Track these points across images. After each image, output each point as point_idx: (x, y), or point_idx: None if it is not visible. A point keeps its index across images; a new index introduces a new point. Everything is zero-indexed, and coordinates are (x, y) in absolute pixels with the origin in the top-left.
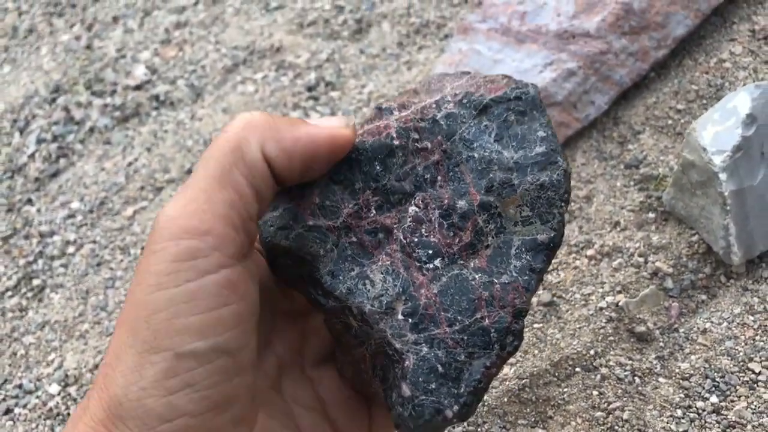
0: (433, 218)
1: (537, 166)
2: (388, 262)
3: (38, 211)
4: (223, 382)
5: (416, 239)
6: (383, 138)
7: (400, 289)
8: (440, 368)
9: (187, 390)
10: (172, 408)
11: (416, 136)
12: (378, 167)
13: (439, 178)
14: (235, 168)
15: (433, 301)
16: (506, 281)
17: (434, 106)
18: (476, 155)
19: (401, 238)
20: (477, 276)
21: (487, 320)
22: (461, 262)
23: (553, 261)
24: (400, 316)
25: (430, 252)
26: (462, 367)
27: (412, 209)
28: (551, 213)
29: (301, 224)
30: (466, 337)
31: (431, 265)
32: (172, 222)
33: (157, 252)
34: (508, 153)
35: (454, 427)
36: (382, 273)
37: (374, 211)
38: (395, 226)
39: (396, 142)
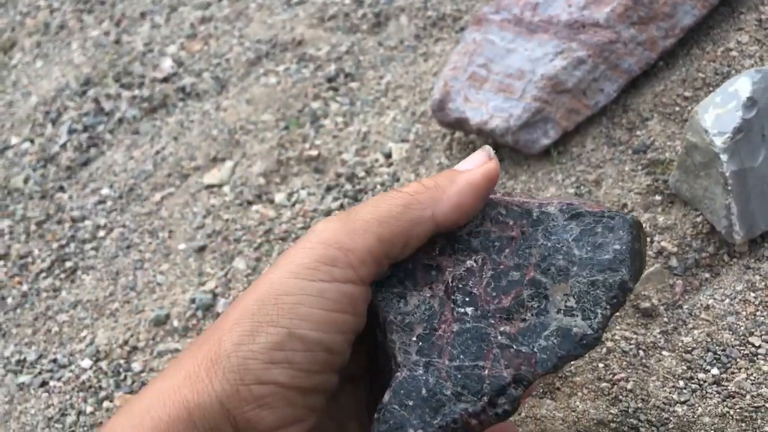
0: (484, 276)
1: (598, 267)
2: (428, 294)
3: (70, 197)
4: (315, 372)
5: (461, 285)
6: None
7: (426, 317)
8: (424, 392)
9: (286, 365)
10: (269, 375)
11: (502, 212)
12: None
13: (507, 250)
14: (400, 216)
15: (447, 335)
16: (524, 351)
17: (537, 205)
18: (549, 244)
19: (449, 280)
20: (500, 337)
21: (486, 371)
22: (492, 321)
23: None
24: (413, 337)
25: (467, 300)
26: (445, 401)
27: (469, 262)
28: (594, 312)
29: None
30: (459, 376)
31: (462, 310)
32: (328, 231)
33: (306, 248)
34: (578, 251)
35: None
36: (418, 300)
37: (437, 251)
38: (449, 269)
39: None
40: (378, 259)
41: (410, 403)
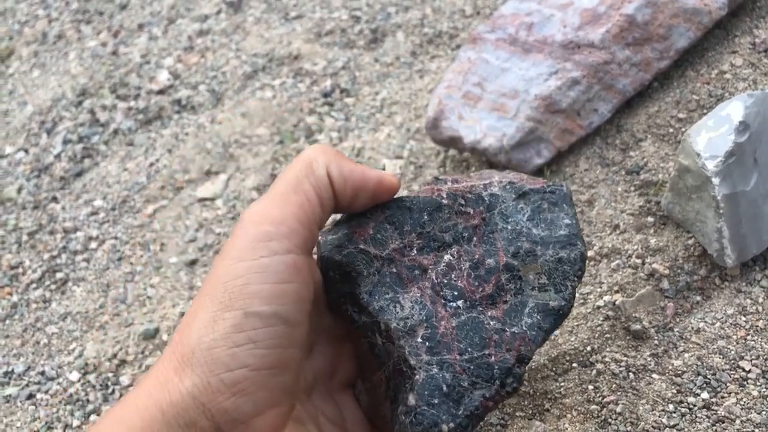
0: (463, 268)
1: (559, 245)
2: (419, 295)
3: (63, 208)
4: (279, 347)
5: (446, 281)
6: (435, 196)
7: (424, 317)
8: (445, 388)
9: (250, 345)
10: (236, 359)
11: (462, 202)
12: (426, 217)
13: (474, 238)
14: (306, 179)
15: (450, 331)
16: (516, 331)
17: (482, 186)
18: (509, 227)
19: (433, 277)
20: (492, 322)
21: (493, 357)
22: (480, 308)
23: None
24: (419, 339)
25: (455, 293)
26: (464, 392)
27: (447, 257)
28: (564, 285)
29: (354, 246)
30: (472, 367)
31: (454, 305)
32: (255, 213)
33: (241, 232)
34: (536, 230)
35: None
36: (411, 302)
37: (416, 252)
38: (431, 267)
39: (444, 201)
40: (306, 225)
41: (435, 401)
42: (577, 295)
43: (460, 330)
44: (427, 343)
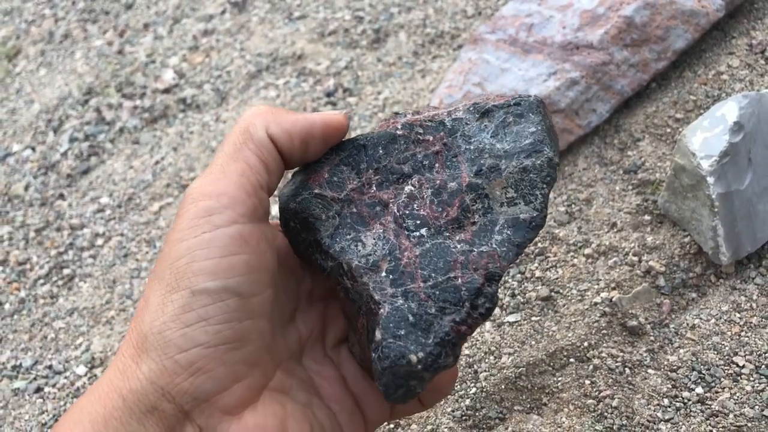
0: (425, 195)
1: (523, 154)
2: (381, 230)
3: (69, 205)
4: (234, 321)
5: (408, 212)
6: (389, 129)
7: (387, 251)
8: (411, 318)
9: (202, 323)
10: (188, 339)
11: (420, 131)
12: (381, 151)
13: (437, 165)
14: (244, 145)
15: (413, 260)
16: (484, 250)
17: (445, 113)
18: (472, 147)
19: (395, 210)
20: (459, 245)
21: (459, 280)
22: (446, 234)
23: (552, 259)
24: (383, 274)
25: (418, 222)
26: (432, 320)
27: (408, 188)
28: (534, 194)
29: (308, 192)
30: (438, 293)
31: (418, 234)
32: (194, 190)
33: (181, 214)
34: (500, 145)
35: (453, 411)
36: (374, 238)
37: (375, 188)
38: (391, 200)
39: (399, 132)
40: (251, 192)
41: (402, 332)
42: (574, 291)
43: (423, 258)
44: (391, 276)
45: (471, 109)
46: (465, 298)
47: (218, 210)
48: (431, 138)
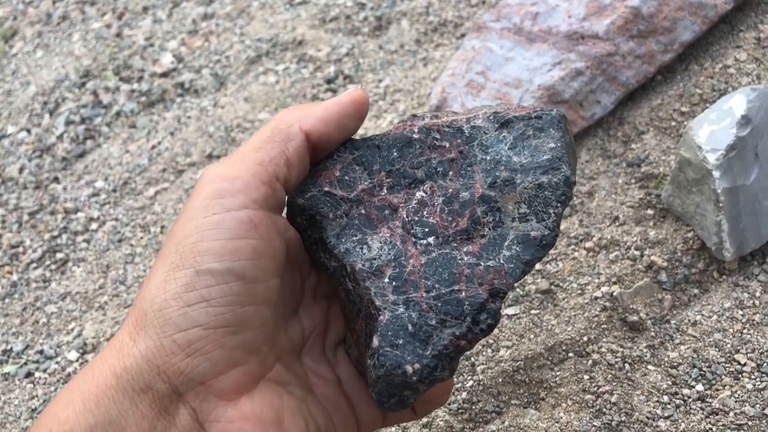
0: (436, 203)
1: (540, 170)
2: (388, 235)
3: (64, 188)
4: (236, 305)
5: (417, 218)
6: (405, 132)
7: (392, 257)
8: (410, 328)
9: (203, 304)
10: (188, 318)
11: (437, 136)
12: (395, 154)
13: (451, 173)
14: (270, 139)
15: (417, 269)
16: (491, 265)
17: (464, 119)
18: (488, 158)
19: (404, 216)
20: (466, 257)
21: (463, 293)
22: (454, 244)
23: (552, 252)
24: (386, 279)
25: (427, 230)
26: (432, 332)
27: (419, 194)
28: (547, 212)
29: (317, 189)
30: (440, 304)
31: (425, 241)
32: (210, 172)
33: (196, 193)
34: (517, 158)
35: (449, 404)
36: (380, 242)
37: (386, 191)
38: (401, 205)
39: (415, 136)
40: (266, 181)
41: (400, 341)
42: (575, 284)
43: (429, 267)
44: (394, 283)
45: (491, 117)
46: (467, 313)
47: (231, 193)
48: (447, 144)
